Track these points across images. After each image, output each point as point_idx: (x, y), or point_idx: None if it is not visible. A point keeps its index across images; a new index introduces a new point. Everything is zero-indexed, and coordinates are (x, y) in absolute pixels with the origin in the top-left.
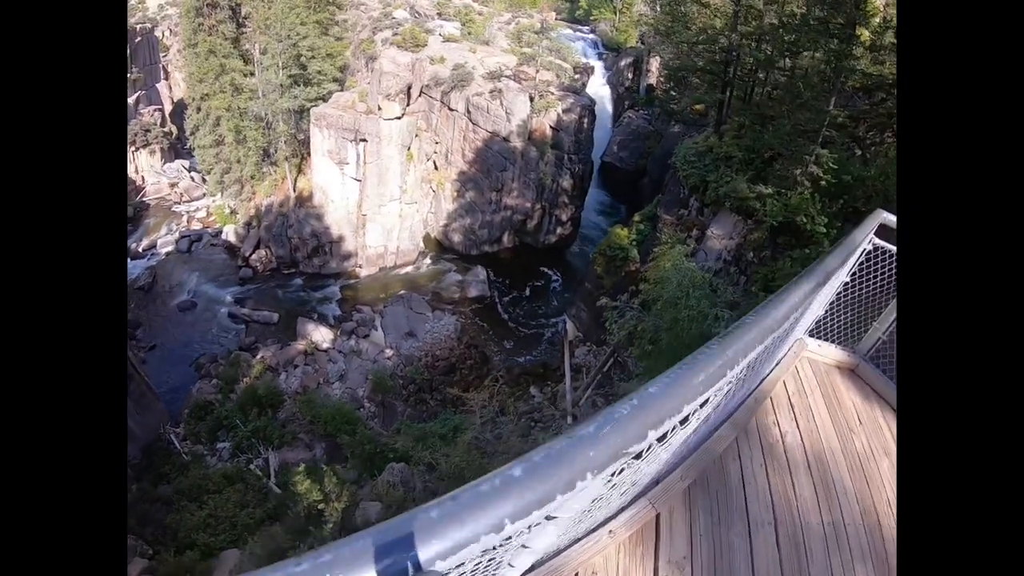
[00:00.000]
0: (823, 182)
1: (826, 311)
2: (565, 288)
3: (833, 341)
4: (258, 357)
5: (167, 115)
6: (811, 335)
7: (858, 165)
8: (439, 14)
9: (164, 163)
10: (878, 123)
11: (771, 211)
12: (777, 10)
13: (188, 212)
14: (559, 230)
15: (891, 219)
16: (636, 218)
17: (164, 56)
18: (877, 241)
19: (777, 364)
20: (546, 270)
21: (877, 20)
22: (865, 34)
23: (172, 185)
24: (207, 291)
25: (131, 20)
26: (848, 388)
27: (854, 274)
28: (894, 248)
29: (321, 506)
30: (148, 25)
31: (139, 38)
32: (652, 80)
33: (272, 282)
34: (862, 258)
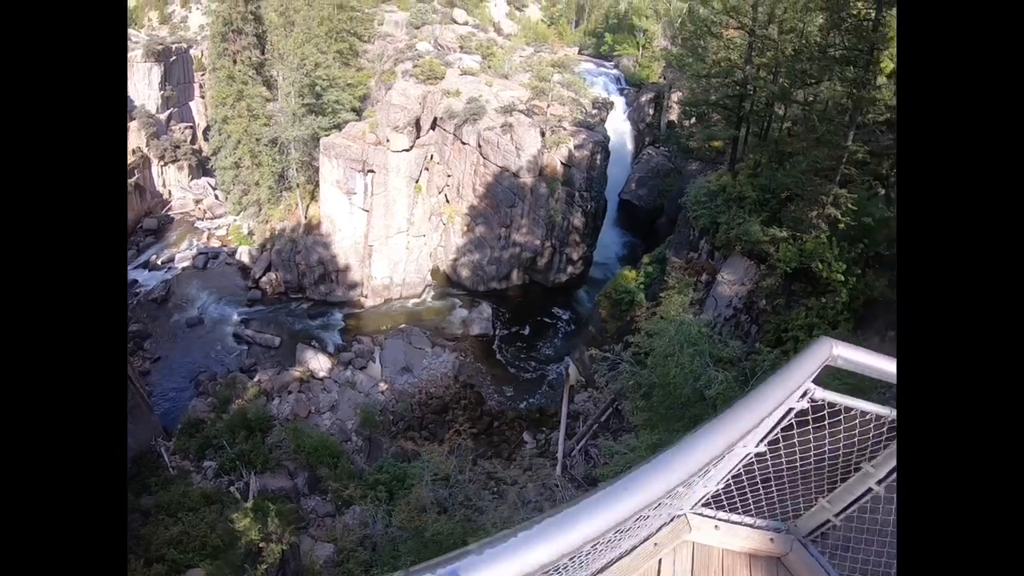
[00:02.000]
0: (841, 225)
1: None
2: (574, 329)
3: (747, 513)
4: (254, 380)
5: (199, 133)
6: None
7: (881, 205)
8: (461, 47)
9: (191, 179)
10: None
11: (784, 256)
12: (793, 39)
13: (209, 229)
14: (570, 269)
15: (844, 352)
16: (645, 260)
17: (201, 75)
18: (822, 395)
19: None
20: (555, 310)
21: None
22: (888, 63)
23: (197, 201)
24: (216, 309)
25: (169, 39)
26: None
27: (776, 442)
28: (856, 403)
29: (261, 544)
30: (184, 45)
31: (174, 57)
32: (673, 116)
33: (279, 306)
34: (788, 421)
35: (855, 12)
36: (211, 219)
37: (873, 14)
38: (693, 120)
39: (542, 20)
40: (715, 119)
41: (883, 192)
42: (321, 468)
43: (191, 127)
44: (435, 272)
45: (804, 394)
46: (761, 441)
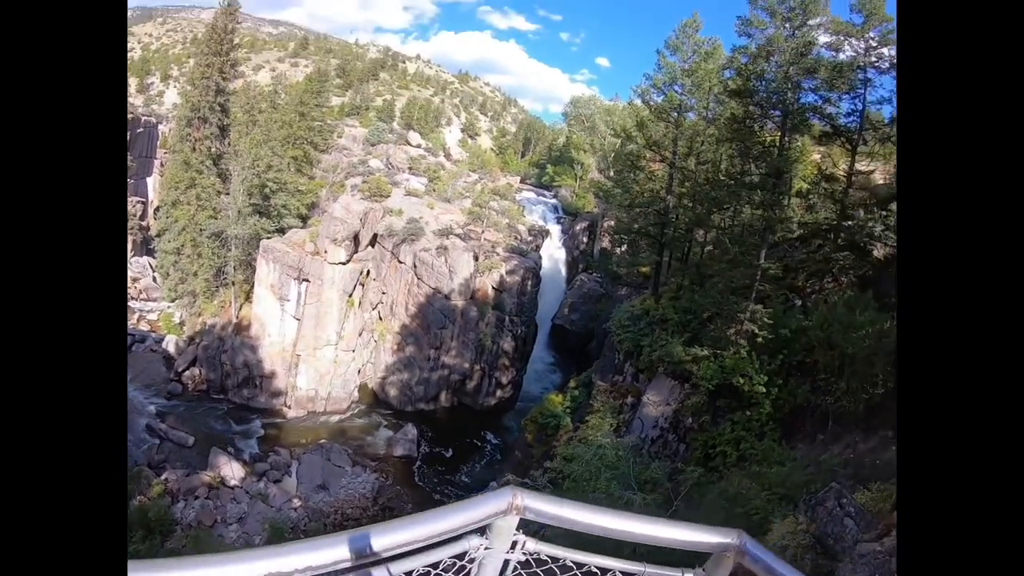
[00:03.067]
0: (759, 339)
1: None
2: (502, 453)
3: None
4: (161, 477)
5: (150, 210)
6: None
7: (798, 316)
8: (410, 168)
9: (133, 256)
10: (816, 271)
11: (706, 374)
12: (708, 169)
13: (141, 311)
14: (499, 392)
15: (531, 503)
16: (571, 384)
17: (164, 153)
18: (535, 547)
19: None
20: (483, 433)
21: (811, 171)
22: (801, 183)
23: (134, 280)
24: (133, 397)
25: (140, 109)
26: None
27: None
28: (580, 556)
29: None
30: (153, 119)
31: (141, 128)
32: (606, 243)
33: (198, 404)
34: (514, 572)
35: (761, 140)
36: (145, 301)
37: (779, 140)
38: (624, 247)
39: (492, 149)
40: (642, 246)
41: (799, 303)
42: None
43: (143, 202)
44: (362, 389)
45: (514, 545)
46: None
